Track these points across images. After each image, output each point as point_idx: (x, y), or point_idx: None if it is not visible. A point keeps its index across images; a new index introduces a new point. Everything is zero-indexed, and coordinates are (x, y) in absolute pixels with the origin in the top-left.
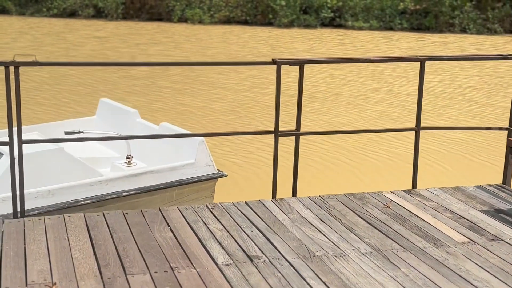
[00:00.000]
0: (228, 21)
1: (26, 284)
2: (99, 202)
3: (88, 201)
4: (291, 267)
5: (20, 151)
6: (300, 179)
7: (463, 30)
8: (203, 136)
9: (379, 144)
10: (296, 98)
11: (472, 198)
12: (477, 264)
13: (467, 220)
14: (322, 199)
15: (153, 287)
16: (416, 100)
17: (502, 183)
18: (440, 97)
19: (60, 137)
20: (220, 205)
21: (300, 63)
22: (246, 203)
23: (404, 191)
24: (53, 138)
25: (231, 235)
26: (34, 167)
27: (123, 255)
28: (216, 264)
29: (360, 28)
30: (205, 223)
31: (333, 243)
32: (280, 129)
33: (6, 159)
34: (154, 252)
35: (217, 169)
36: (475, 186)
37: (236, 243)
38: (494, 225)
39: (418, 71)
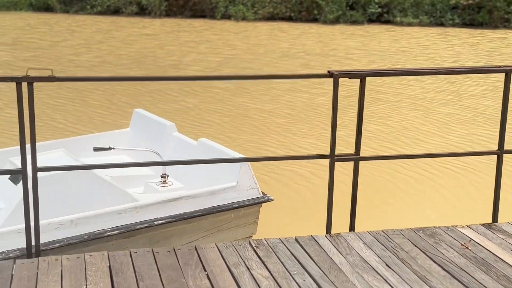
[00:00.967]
0: (272, 17)
1: None
2: (128, 233)
3: (116, 231)
4: None
5: (35, 180)
6: (359, 210)
7: None
8: (249, 161)
9: (453, 169)
10: (355, 116)
11: None
12: None
13: None
14: (385, 236)
15: None
16: (499, 117)
17: None
18: None
19: (87, 158)
20: (265, 242)
21: (361, 76)
22: (296, 239)
23: (483, 225)
24: (80, 157)
25: (279, 285)
26: (55, 189)
27: None
28: None
29: (409, 24)
30: (248, 268)
31: None
32: (336, 152)
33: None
34: None
35: (262, 192)
36: None
37: None
38: None
39: (495, 78)
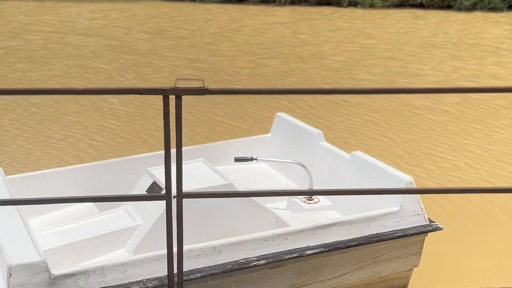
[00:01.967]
0: (401, 4)
1: None
2: (276, 263)
3: (262, 261)
4: None
5: (180, 206)
6: None
7: None
8: (424, 194)
9: None
10: None
11: None
12: None
13: None
14: None
15: None
16: None
17: None
18: None
19: (227, 166)
20: None
21: None
22: None
23: None
24: (218, 165)
25: None
26: (193, 209)
27: None
28: None
29: None
30: None
31: None
32: None
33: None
34: None
35: (428, 218)
36: None
37: None
38: None
39: None
